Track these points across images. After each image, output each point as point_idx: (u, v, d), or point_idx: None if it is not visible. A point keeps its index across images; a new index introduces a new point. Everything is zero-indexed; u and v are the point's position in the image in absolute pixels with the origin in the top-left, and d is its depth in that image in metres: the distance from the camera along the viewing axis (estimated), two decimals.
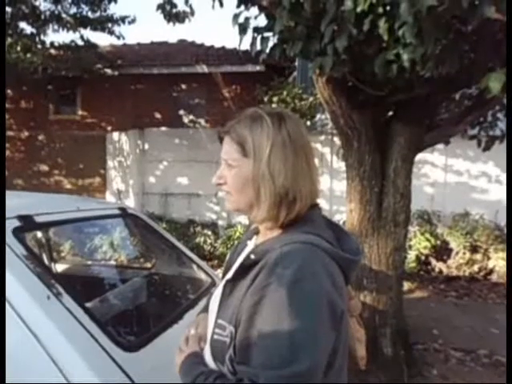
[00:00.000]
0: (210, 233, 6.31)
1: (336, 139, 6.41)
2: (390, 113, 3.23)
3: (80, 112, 8.83)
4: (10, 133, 8.93)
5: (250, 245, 0.97)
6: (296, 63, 6.92)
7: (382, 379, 2.88)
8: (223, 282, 0.90)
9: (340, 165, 6.43)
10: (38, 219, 1.59)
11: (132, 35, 15.51)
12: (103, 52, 8.34)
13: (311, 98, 4.82)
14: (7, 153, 9.02)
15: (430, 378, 3.04)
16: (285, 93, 5.32)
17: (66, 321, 1.24)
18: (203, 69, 8.07)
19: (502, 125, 3.67)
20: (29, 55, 6.01)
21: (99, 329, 1.28)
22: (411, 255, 5.45)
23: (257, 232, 0.95)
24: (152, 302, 2.13)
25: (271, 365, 0.71)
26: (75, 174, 8.64)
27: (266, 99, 5.55)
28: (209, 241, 6.14)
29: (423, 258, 5.52)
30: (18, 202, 1.83)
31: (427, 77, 2.22)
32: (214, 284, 2.27)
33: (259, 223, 0.89)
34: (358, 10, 1.88)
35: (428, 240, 5.50)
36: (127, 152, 7.42)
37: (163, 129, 7.44)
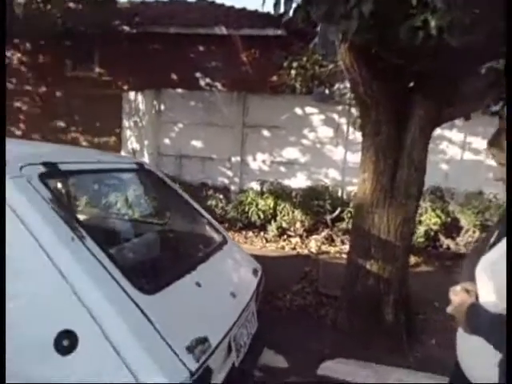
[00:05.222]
0: (221, 197, 6.39)
1: (353, 110, 6.31)
2: (411, 84, 3.16)
3: (97, 69, 8.78)
4: (27, 87, 8.99)
5: None
6: (318, 28, 6.70)
7: (383, 344, 2.99)
8: None
9: (355, 136, 6.37)
10: (62, 167, 1.65)
11: None
12: (122, 8, 8.18)
13: (331, 66, 4.70)
14: (25, 107, 9.11)
15: (429, 346, 3.15)
16: (304, 59, 5.20)
17: (89, 262, 1.32)
18: (222, 31, 7.88)
19: None
20: (49, 7, 5.93)
21: (120, 272, 1.36)
22: (420, 230, 5.47)
23: None
24: (165, 254, 2.22)
25: None
26: (91, 131, 8.72)
27: (285, 64, 5.44)
28: (220, 204, 6.23)
29: (432, 233, 5.54)
30: (43, 151, 1.89)
31: (453, 46, 2.16)
32: (225, 242, 2.35)
33: None
34: None
35: (438, 216, 5.50)
36: (143, 112, 7.42)
37: (179, 90, 7.38)
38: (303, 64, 5.08)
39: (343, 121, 6.47)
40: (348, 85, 5.79)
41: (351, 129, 6.39)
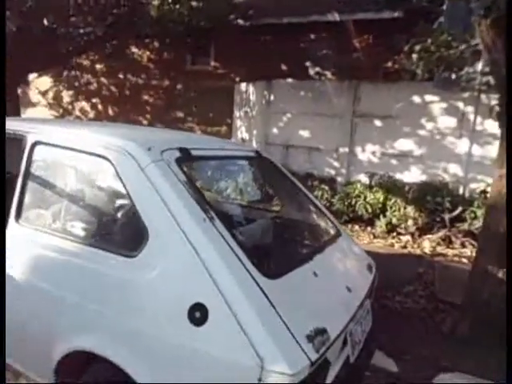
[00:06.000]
0: (327, 188, 6.26)
1: (483, 97, 5.58)
2: None
3: (212, 63, 9.32)
4: (153, 81, 10.00)
5: None
6: (444, 6, 6.04)
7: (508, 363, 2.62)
8: None
9: (484, 127, 5.63)
10: (194, 153, 1.77)
11: None
12: (237, 3, 8.48)
13: (463, 46, 4.15)
14: (151, 99, 10.16)
15: None
16: (429, 40, 4.71)
17: (219, 242, 1.39)
18: (335, 17, 7.64)
19: None
20: (177, 6, 6.46)
21: (244, 254, 1.41)
22: None
23: None
24: (281, 241, 2.25)
25: None
26: (205, 121, 9.34)
27: (405, 49, 5.03)
28: (326, 196, 6.12)
29: None
30: (176, 138, 2.06)
31: None
32: (339, 234, 2.29)
33: None
34: None
35: None
36: (253, 103, 7.65)
37: (289, 80, 7.41)
38: (427, 46, 4.61)
39: (470, 109, 5.77)
40: (479, 68, 5.11)
41: (479, 118, 5.67)
